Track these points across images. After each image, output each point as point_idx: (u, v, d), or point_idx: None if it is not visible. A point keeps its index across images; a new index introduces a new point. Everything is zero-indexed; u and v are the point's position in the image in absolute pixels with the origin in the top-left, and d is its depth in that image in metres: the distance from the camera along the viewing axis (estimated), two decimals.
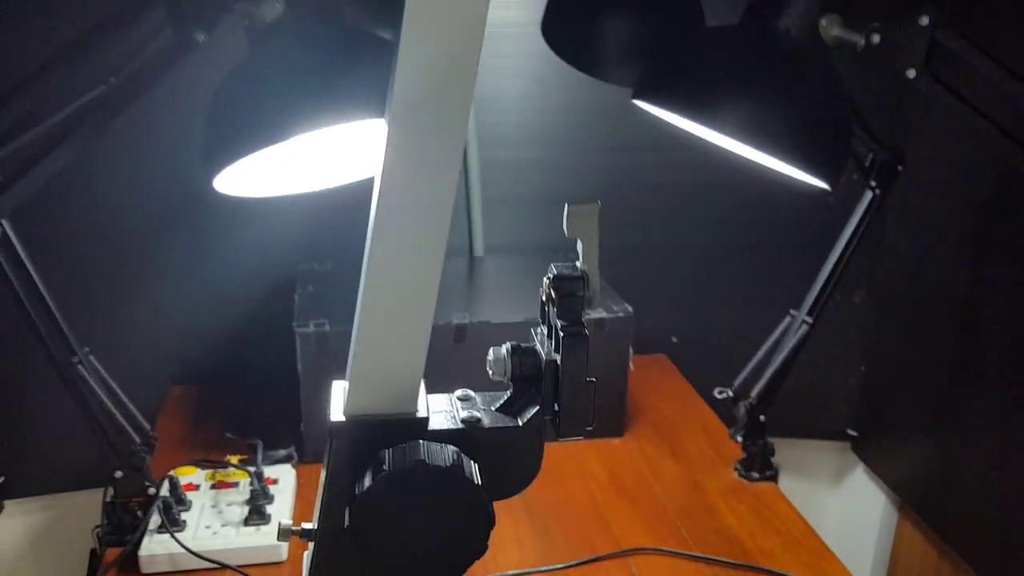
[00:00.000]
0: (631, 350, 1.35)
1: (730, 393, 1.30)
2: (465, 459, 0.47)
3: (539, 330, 0.53)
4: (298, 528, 0.51)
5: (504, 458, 0.50)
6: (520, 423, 0.51)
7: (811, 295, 1.24)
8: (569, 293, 0.50)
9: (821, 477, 1.79)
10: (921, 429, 1.51)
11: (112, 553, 1.09)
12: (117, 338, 1.37)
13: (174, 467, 1.19)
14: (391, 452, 0.46)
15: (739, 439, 1.29)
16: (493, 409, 0.52)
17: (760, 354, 1.28)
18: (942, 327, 1.43)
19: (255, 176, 0.68)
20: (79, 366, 1.05)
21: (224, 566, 1.06)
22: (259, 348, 1.47)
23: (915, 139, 1.42)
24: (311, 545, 0.52)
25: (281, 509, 1.13)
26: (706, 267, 1.63)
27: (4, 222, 0.89)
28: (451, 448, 0.47)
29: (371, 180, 0.52)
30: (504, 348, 0.52)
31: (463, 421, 0.50)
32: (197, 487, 1.17)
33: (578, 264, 0.51)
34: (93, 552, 1.18)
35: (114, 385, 1.10)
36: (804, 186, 1.49)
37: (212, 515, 1.11)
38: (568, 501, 1.23)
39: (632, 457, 1.34)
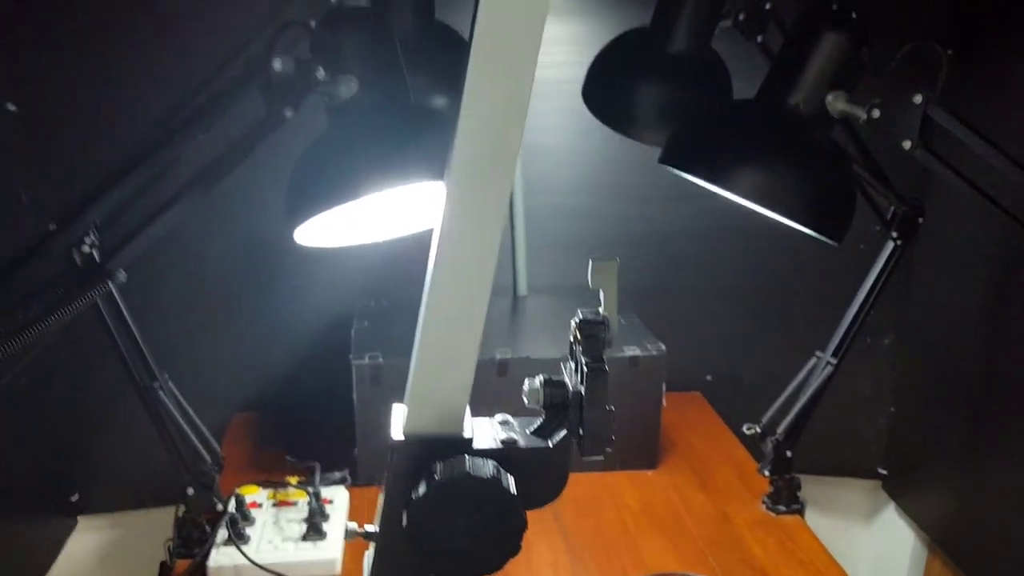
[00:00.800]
0: (664, 387, 1.42)
1: (758, 429, 1.36)
2: (503, 472, 0.56)
3: (568, 365, 0.62)
4: (362, 530, 0.60)
5: (536, 473, 0.58)
6: (551, 444, 0.60)
7: (836, 338, 1.30)
8: (592, 335, 0.59)
9: (853, 515, 1.82)
10: (950, 469, 1.54)
11: (182, 564, 1.20)
12: (191, 368, 1.49)
13: (239, 486, 1.29)
14: (441, 465, 0.55)
15: (766, 473, 1.35)
16: (528, 432, 0.61)
17: (787, 393, 1.34)
18: (967, 370, 1.47)
19: (329, 229, 0.79)
20: (159, 391, 1.17)
21: None
22: (317, 378, 1.58)
23: (939, 194, 1.48)
24: (372, 545, 0.61)
25: (336, 527, 1.22)
26: (739, 309, 1.70)
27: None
28: (492, 463, 0.56)
29: (427, 232, 0.62)
30: (538, 380, 0.61)
31: (502, 442, 0.59)
32: (260, 505, 1.27)
33: (600, 310, 0.60)
34: (163, 565, 1.28)
35: (189, 409, 1.21)
36: None
37: (274, 531, 1.21)
38: (602, 528, 1.30)
39: (664, 488, 1.41)
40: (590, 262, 0.60)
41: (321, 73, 0.72)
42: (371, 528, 0.60)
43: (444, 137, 0.75)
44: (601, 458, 0.60)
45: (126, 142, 0.98)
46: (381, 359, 1.33)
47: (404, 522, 0.55)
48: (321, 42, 0.76)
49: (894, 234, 1.24)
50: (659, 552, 1.25)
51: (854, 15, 0.78)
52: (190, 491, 1.20)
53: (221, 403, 1.60)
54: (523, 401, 0.58)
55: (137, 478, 1.59)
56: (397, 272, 1.54)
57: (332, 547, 1.19)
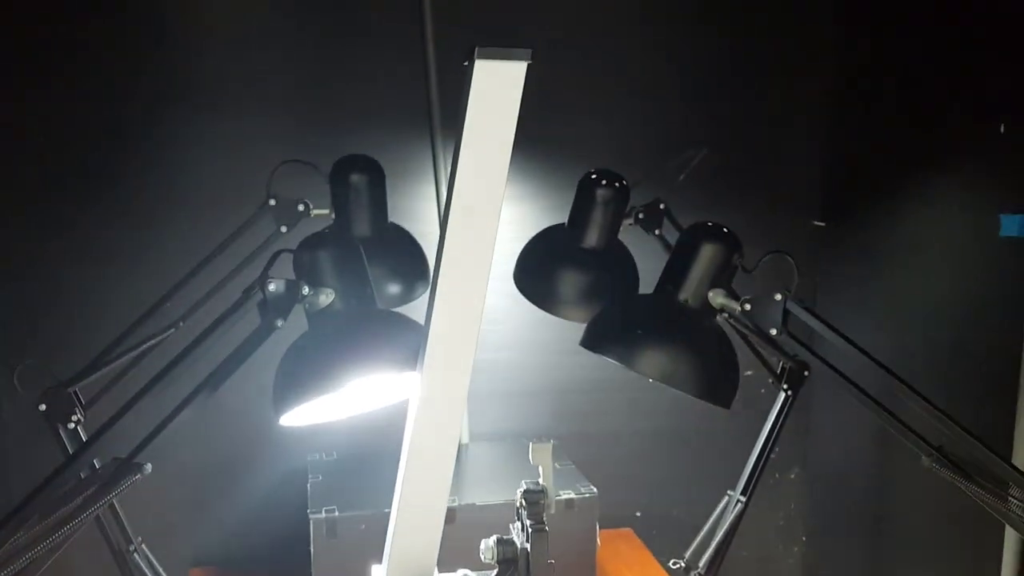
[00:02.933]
0: (597, 526, 1.56)
1: (682, 564, 1.51)
2: None
3: (515, 525, 0.78)
4: None
5: None
6: None
7: (743, 477, 1.48)
8: (534, 502, 0.75)
9: None
10: None
11: None
12: (146, 520, 1.57)
13: None
14: None
15: None
16: None
17: (706, 529, 1.50)
18: (867, 500, 1.66)
19: (309, 411, 0.95)
20: (134, 554, 1.26)
21: None
22: (271, 531, 1.68)
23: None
24: None
25: None
26: (663, 450, 1.88)
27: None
28: None
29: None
30: (492, 539, 0.76)
31: None
32: None
33: (539, 481, 0.76)
34: None
35: (160, 569, 1.30)
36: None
37: None
38: None
39: None
40: (530, 444, 0.76)
41: (306, 289, 0.89)
42: None
43: (405, 334, 0.93)
44: None
45: (111, 325, 1.13)
46: (337, 512, 1.45)
47: None
48: (301, 263, 0.93)
49: (784, 386, 1.45)
50: None
51: (726, 230, 1.00)
52: None
53: (178, 559, 1.67)
54: (474, 549, 0.72)
55: None
56: (344, 426, 1.69)
57: None
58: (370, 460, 1.66)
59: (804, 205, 1.74)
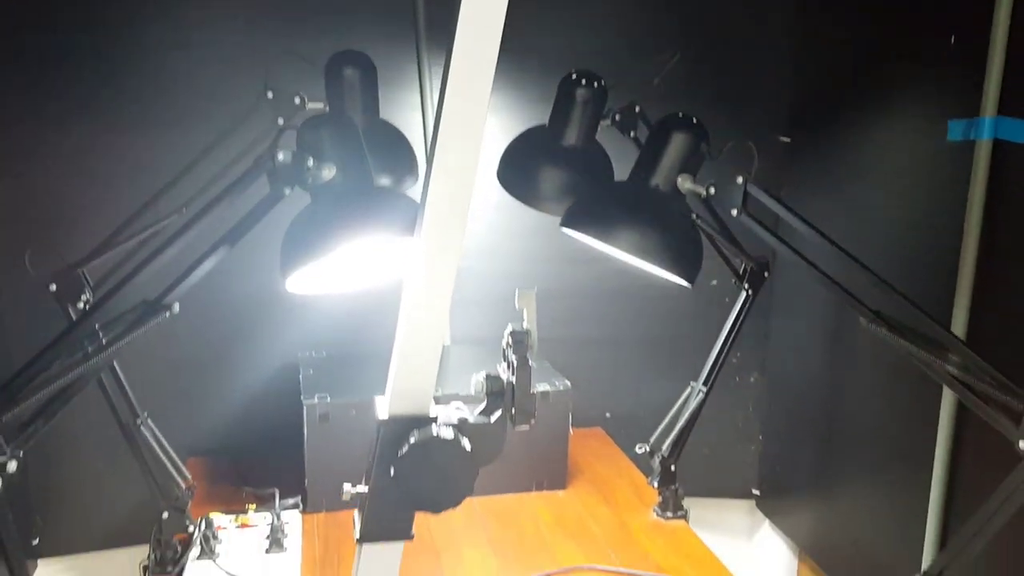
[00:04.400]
0: (570, 417, 1.68)
1: (647, 448, 1.64)
2: (460, 436, 0.80)
3: (502, 364, 0.88)
4: (356, 490, 0.82)
5: (482, 441, 0.82)
6: (491, 420, 0.84)
7: (705, 369, 1.60)
8: (519, 341, 0.85)
9: (733, 532, 2.11)
10: (812, 487, 1.84)
11: None
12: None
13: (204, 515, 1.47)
14: (417, 432, 0.79)
15: (655, 485, 1.62)
16: (475, 413, 0.85)
17: (669, 416, 1.63)
18: (819, 402, 1.79)
19: (315, 280, 1.03)
20: (140, 427, 1.35)
21: None
22: (265, 423, 1.79)
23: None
24: (357, 511, 0.83)
25: (293, 544, 1.41)
26: (631, 355, 1.99)
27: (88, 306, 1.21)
28: (452, 429, 0.80)
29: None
30: (482, 375, 0.86)
31: (458, 419, 0.83)
32: (225, 528, 1.45)
33: (524, 324, 0.86)
34: None
35: (164, 442, 1.40)
36: (703, 285, 1.89)
37: (239, 548, 1.39)
38: (522, 537, 1.54)
39: (573, 505, 1.66)
40: (516, 291, 0.86)
41: (310, 162, 0.97)
42: (362, 488, 0.83)
43: (401, 204, 1.01)
44: (527, 428, 0.85)
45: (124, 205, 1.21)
46: (329, 399, 1.55)
47: (392, 473, 0.78)
48: (306, 139, 1.01)
49: (746, 285, 1.56)
50: (570, 552, 1.49)
51: (695, 120, 1.09)
52: (165, 515, 1.37)
53: (174, 449, 1.76)
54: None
55: (97, 521, 1.73)
56: (333, 327, 1.79)
57: (292, 559, 1.38)
58: (358, 358, 1.76)
59: (770, 120, 1.83)
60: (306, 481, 1.57)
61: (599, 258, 1.91)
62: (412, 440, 0.79)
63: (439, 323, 0.81)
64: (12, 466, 0.70)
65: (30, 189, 1.59)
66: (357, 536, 0.83)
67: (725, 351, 1.59)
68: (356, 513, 0.85)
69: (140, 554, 1.43)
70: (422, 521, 1.56)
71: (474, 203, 1.91)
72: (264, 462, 1.72)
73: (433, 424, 0.81)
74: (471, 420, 0.84)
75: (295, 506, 1.53)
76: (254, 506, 1.50)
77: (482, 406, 0.86)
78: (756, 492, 2.04)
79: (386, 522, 0.83)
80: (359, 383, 1.63)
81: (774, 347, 1.95)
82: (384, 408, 0.82)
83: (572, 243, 1.88)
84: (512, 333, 0.85)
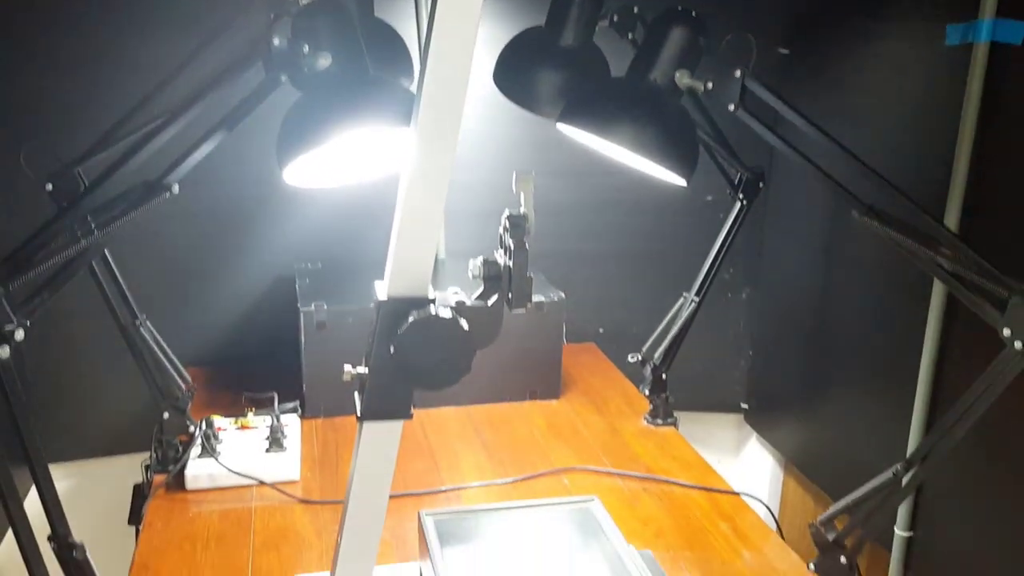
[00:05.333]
0: (564, 327, 1.70)
1: (639, 357, 1.66)
2: (458, 316, 0.81)
3: (499, 251, 0.89)
4: (356, 371, 0.84)
5: (479, 324, 0.84)
6: (488, 304, 0.86)
7: (698, 280, 1.62)
8: (517, 225, 0.85)
9: (721, 445, 2.16)
10: (799, 400, 1.88)
11: (159, 480, 1.40)
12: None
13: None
14: (416, 312, 0.80)
15: (647, 393, 1.66)
16: (473, 297, 0.86)
17: (661, 327, 1.65)
18: (809, 317, 1.82)
19: (315, 171, 1.03)
20: (140, 328, 1.37)
21: (259, 482, 1.37)
22: (261, 333, 1.81)
23: (783, 172, 1.84)
24: (357, 392, 0.85)
25: (293, 444, 1.44)
26: (624, 271, 2.01)
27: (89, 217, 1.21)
28: (451, 309, 0.82)
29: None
30: (480, 259, 0.87)
31: (456, 302, 0.84)
32: (225, 430, 1.47)
33: (521, 208, 0.87)
34: (137, 487, 1.46)
35: (164, 344, 1.41)
36: (692, 197, 1.89)
37: (240, 448, 1.42)
38: (516, 441, 1.57)
39: (566, 412, 1.70)
40: (514, 174, 0.86)
41: (306, 48, 0.96)
42: (362, 369, 0.84)
43: (397, 94, 1.01)
44: (523, 311, 0.86)
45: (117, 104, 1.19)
46: (326, 307, 1.56)
47: (392, 351, 0.80)
48: (301, 26, 1.00)
49: (740, 195, 1.57)
50: (563, 454, 1.52)
51: (694, 14, 1.08)
52: (166, 415, 1.40)
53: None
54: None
55: (100, 428, 1.76)
56: (326, 239, 1.80)
57: (292, 457, 1.41)
58: (353, 269, 1.77)
59: (768, 32, 1.81)
60: (304, 387, 1.59)
61: (593, 172, 1.92)
62: (411, 319, 0.81)
63: (437, 205, 0.81)
64: (20, 334, 0.72)
65: (24, 89, 1.57)
66: (358, 415, 0.85)
67: (718, 261, 1.61)
68: (356, 395, 0.86)
69: (142, 460, 1.46)
70: (419, 426, 1.60)
71: (465, 116, 1.91)
72: (262, 371, 1.73)
73: (431, 304, 0.82)
74: (468, 303, 0.85)
75: (294, 410, 1.56)
76: (253, 410, 1.53)
77: (479, 291, 0.87)
78: (744, 406, 2.08)
79: (386, 400, 0.85)
80: (355, 292, 1.64)
81: (767, 263, 1.96)
82: (383, 290, 0.83)
83: (565, 157, 1.88)
84: (509, 217, 0.86)
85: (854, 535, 1.06)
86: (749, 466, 2.13)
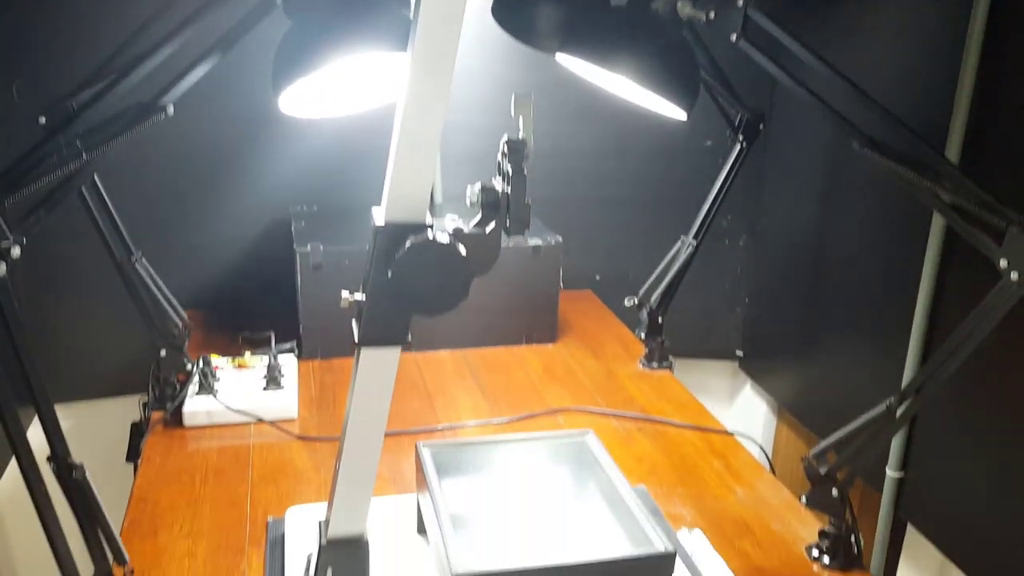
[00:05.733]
0: (561, 271, 1.70)
1: (636, 301, 1.66)
2: (456, 241, 0.81)
3: (497, 177, 0.88)
4: (354, 297, 0.84)
5: (477, 251, 0.84)
6: (486, 231, 0.85)
7: (696, 223, 1.61)
8: (516, 149, 0.85)
9: (716, 392, 2.17)
10: (792, 347, 1.89)
11: (157, 416, 1.40)
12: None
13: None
14: (413, 236, 0.80)
15: (642, 336, 1.66)
16: (470, 224, 0.86)
17: (658, 270, 1.65)
18: (807, 264, 1.81)
19: (311, 99, 1.02)
20: (136, 264, 1.36)
21: (257, 419, 1.38)
22: (258, 276, 1.81)
23: (784, 116, 1.82)
24: (354, 320, 0.85)
25: (290, 383, 1.45)
26: (622, 217, 2.00)
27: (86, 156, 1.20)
28: (448, 234, 0.81)
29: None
30: (477, 185, 0.86)
31: (454, 229, 0.84)
32: (222, 369, 1.48)
33: (520, 133, 0.86)
34: (135, 426, 1.47)
35: (159, 281, 1.41)
36: (692, 143, 1.88)
37: (237, 386, 1.43)
38: (512, 383, 1.58)
39: (561, 356, 1.70)
40: (512, 96, 0.85)
41: None
42: (360, 295, 0.84)
43: (393, 19, 0.99)
44: (521, 236, 0.86)
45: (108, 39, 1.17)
46: (321, 247, 1.56)
47: (389, 275, 0.80)
48: None
49: (740, 137, 1.56)
50: (558, 396, 1.53)
51: None
52: (163, 353, 1.40)
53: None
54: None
55: (96, 370, 1.76)
56: (320, 183, 1.78)
57: (289, 395, 1.42)
58: (349, 212, 1.76)
59: None
60: (301, 329, 1.59)
61: (593, 116, 1.90)
62: (408, 243, 0.80)
63: (434, 131, 0.80)
64: (16, 251, 0.71)
65: (16, 21, 1.54)
66: (356, 340, 0.85)
67: (717, 204, 1.60)
68: (354, 322, 0.86)
69: (140, 399, 1.47)
70: (415, 368, 1.60)
71: (463, 59, 1.89)
72: (259, 315, 1.73)
73: (429, 229, 0.81)
74: (466, 231, 0.85)
75: (291, 350, 1.56)
76: (251, 351, 1.53)
77: (477, 219, 0.86)
78: (740, 353, 2.09)
79: (383, 327, 0.85)
80: (351, 234, 1.64)
81: (765, 210, 1.96)
82: (381, 215, 0.83)
83: (565, 102, 1.86)
84: (508, 142, 0.85)
85: (846, 469, 1.07)
86: (743, 413, 2.15)
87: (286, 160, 1.78)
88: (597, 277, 2.04)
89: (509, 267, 1.67)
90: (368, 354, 0.87)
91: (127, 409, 1.63)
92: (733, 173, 1.58)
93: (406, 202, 0.82)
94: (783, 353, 1.94)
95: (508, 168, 0.85)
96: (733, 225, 2.00)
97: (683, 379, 1.64)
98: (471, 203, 0.87)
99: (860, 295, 1.63)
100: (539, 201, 1.87)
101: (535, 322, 1.73)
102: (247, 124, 1.72)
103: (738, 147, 1.57)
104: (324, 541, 0.92)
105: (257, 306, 1.80)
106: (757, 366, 2.06)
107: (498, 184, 0.87)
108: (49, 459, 0.81)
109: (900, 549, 1.59)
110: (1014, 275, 0.89)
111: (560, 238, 1.69)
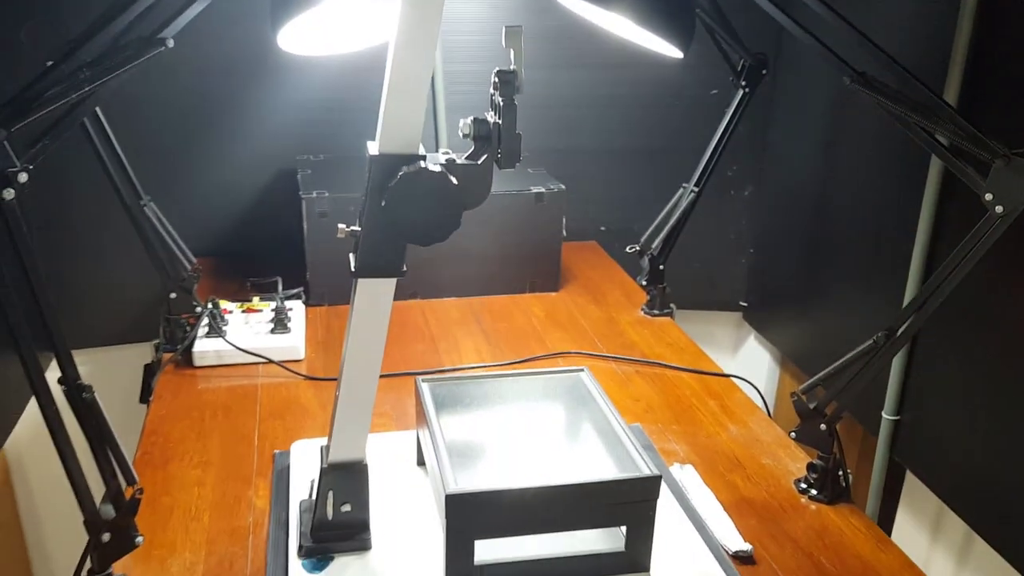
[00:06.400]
0: (564, 219, 1.72)
1: (637, 247, 1.68)
2: (448, 172, 0.83)
3: (489, 111, 0.90)
4: (350, 229, 0.87)
5: (469, 182, 0.86)
6: (478, 162, 0.87)
7: (698, 170, 1.62)
8: (507, 81, 0.86)
9: (721, 344, 2.19)
10: (797, 297, 1.90)
11: (168, 357, 1.44)
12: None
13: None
14: (406, 166, 0.82)
15: (644, 283, 1.68)
16: (463, 157, 0.88)
17: (660, 217, 1.66)
18: (811, 214, 1.82)
19: (310, 37, 1.04)
20: (144, 208, 1.39)
21: (265, 359, 1.42)
22: (265, 225, 1.84)
23: (789, 62, 1.82)
24: (351, 252, 0.88)
25: (297, 327, 1.48)
26: (627, 167, 2.01)
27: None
28: (440, 165, 0.83)
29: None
30: (470, 118, 0.88)
31: (446, 160, 0.86)
32: (231, 312, 1.51)
33: (511, 65, 0.87)
34: (148, 367, 1.51)
35: (168, 226, 1.44)
36: (698, 92, 1.88)
37: (245, 328, 1.47)
38: (514, 328, 1.61)
39: (564, 303, 1.73)
40: (503, 28, 0.87)
41: None
42: (356, 228, 0.87)
43: None
44: (513, 168, 0.88)
45: None
46: (327, 194, 1.58)
47: (383, 204, 0.82)
48: None
49: (743, 83, 1.56)
50: (559, 341, 1.56)
51: None
52: (173, 295, 1.44)
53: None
54: None
55: (109, 316, 1.81)
56: (326, 130, 1.80)
57: (296, 338, 1.46)
58: (354, 162, 1.78)
59: None
60: (307, 275, 1.62)
61: (596, 65, 1.90)
62: (401, 172, 0.83)
63: (426, 65, 0.82)
64: (23, 177, 0.74)
65: None
66: (352, 270, 0.88)
67: (720, 150, 1.61)
68: (351, 255, 0.89)
69: (154, 342, 1.51)
70: (420, 314, 1.63)
71: (462, 9, 1.89)
72: (267, 263, 1.77)
73: (422, 160, 0.83)
74: (458, 162, 0.87)
75: (297, 296, 1.59)
76: (258, 296, 1.57)
77: (469, 151, 0.88)
78: (744, 304, 2.11)
79: (379, 257, 0.88)
80: (357, 182, 1.65)
81: (770, 160, 1.96)
82: (375, 147, 0.85)
83: (567, 51, 1.87)
84: (499, 73, 0.86)
85: (834, 404, 1.09)
86: (747, 363, 2.17)
87: (292, 110, 1.80)
88: (603, 228, 2.06)
89: (512, 215, 1.68)
90: (365, 285, 0.90)
91: (143, 355, 1.67)
92: (736, 119, 1.59)
93: (399, 133, 0.84)
94: (787, 303, 1.95)
95: (499, 100, 0.87)
96: (738, 175, 2.00)
97: (688, 330, 1.66)
98: (464, 135, 0.89)
99: (864, 245, 1.64)
100: (544, 152, 1.92)
101: (538, 270, 1.75)
102: (254, 74, 1.74)
103: (740, 92, 1.57)
104: (326, 464, 0.96)
105: (265, 254, 1.83)
106: (761, 316, 2.08)
107: (490, 116, 0.89)
108: (60, 381, 0.85)
109: (899, 495, 1.62)
110: (999, 208, 0.90)
111: (563, 186, 1.70)
